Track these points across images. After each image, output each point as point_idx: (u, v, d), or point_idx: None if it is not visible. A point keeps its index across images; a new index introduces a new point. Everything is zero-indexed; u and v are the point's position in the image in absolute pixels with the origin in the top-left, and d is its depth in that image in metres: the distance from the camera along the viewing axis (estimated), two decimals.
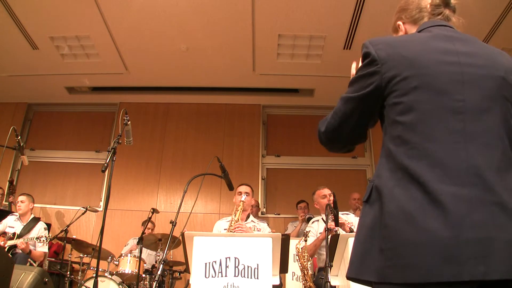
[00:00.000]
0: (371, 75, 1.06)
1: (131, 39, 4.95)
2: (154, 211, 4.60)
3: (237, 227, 3.13)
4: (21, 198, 4.50)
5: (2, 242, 4.06)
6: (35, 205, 4.82)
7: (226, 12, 4.46)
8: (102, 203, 5.90)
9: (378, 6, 4.32)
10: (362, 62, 1.10)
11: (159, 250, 4.26)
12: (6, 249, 3.97)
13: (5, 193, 5.41)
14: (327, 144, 1.23)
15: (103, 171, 2.55)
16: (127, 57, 5.34)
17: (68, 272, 4.09)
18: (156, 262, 4.55)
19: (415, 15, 1.20)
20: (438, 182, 0.90)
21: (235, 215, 3.27)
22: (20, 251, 4.05)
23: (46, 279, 2.79)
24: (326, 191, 3.60)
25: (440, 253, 0.86)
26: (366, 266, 0.97)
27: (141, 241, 3.95)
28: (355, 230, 3.33)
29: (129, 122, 2.85)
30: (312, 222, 3.72)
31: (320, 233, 3.52)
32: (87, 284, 3.64)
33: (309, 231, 3.62)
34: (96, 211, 4.87)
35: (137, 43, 5.03)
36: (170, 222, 2.70)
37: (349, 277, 1.04)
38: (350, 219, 3.54)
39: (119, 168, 5.63)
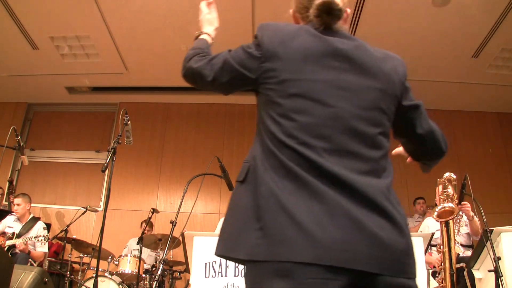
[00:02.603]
0: (252, 57, 1.08)
1: (131, 39, 4.95)
2: (154, 211, 4.60)
3: None
4: (16, 201, 4.41)
5: (2, 242, 4.06)
6: (35, 205, 4.82)
7: (226, 11, 4.46)
8: (102, 203, 5.89)
9: (378, 6, 4.32)
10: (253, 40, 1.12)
11: (159, 250, 4.26)
12: (5, 249, 3.97)
13: (5, 193, 5.41)
14: (188, 79, 1.21)
15: (103, 171, 2.55)
16: (127, 57, 5.34)
17: (68, 272, 4.09)
18: (156, 262, 4.55)
19: (303, 13, 1.17)
20: (309, 175, 0.93)
21: None
22: (20, 251, 4.05)
23: (46, 279, 2.79)
24: None
25: (308, 235, 0.88)
26: (238, 245, 0.96)
27: (141, 241, 3.95)
28: None
29: (129, 122, 2.85)
30: None
31: None
32: (87, 284, 3.63)
33: None
34: (96, 211, 4.87)
35: (137, 43, 5.02)
36: (170, 222, 2.70)
37: (218, 255, 1.03)
38: None
39: (119, 168, 5.63)
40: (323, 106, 1.00)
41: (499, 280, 2.38)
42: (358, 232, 0.90)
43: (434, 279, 3.10)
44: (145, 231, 4.38)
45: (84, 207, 4.54)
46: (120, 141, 2.77)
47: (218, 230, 3.52)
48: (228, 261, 2.51)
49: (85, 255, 4.23)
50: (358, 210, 0.92)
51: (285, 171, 0.95)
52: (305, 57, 1.04)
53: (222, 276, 2.48)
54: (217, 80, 1.14)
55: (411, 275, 0.96)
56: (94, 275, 2.61)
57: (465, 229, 3.40)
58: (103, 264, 3.79)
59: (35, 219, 4.49)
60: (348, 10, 1.19)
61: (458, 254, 3.20)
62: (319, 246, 0.87)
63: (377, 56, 1.10)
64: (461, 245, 3.37)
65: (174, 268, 4.46)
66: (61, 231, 4.29)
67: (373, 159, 1.01)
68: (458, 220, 3.33)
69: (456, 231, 3.30)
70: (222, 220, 3.69)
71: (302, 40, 1.06)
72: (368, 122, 1.02)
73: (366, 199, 0.94)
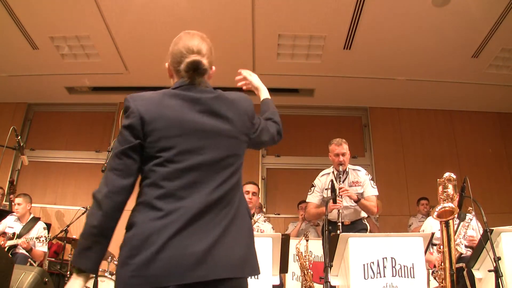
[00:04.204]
0: (133, 127, 1.24)
1: (131, 39, 4.95)
2: None
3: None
4: (17, 200, 4.43)
5: (2, 242, 4.06)
6: (35, 205, 4.81)
7: (226, 12, 4.46)
8: None
9: (378, 6, 4.32)
10: (124, 114, 1.29)
11: None
12: (6, 249, 3.97)
13: (6, 193, 5.41)
14: (109, 217, 1.25)
15: (103, 171, 2.54)
16: (127, 57, 5.34)
17: (68, 272, 4.09)
18: None
19: (176, 67, 1.38)
20: (173, 215, 1.17)
21: None
22: (21, 251, 4.06)
23: (46, 279, 2.79)
24: (339, 150, 3.46)
25: (169, 264, 1.12)
26: (118, 279, 1.22)
27: None
28: (364, 188, 3.41)
29: None
30: (322, 175, 3.63)
31: (326, 189, 3.49)
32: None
33: (315, 186, 3.57)
34: None
35: (137, 43, 5.02)
36: None
37: None
38: (361, 177, 3.49)
39: None
40: (192, 155, 1.24)
41: (499, 280, 2.38)
42: (206, 255, 1.15)
43: (432, 274, 3.11)
44: None
45: (84, 207, 4.53)
46: None
47: None
48: None
49: None
50: (204, 241, 1.17)
51: (157, 211, 1.18)
52: (174, 117, 1.25)
53: None
54: (126, 171, 1.24)
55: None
56: (94, 275, 2.60)
57: (472, 232, 3.41)
58: (103, 264, 3.79)
59: (35, 219, 4.49)
60: (214, 68, 1.45)
61: (461, 254, 3.21)
62: (178, 271, 1.12)
63: (232, 103, 1.36)
64: (465, 246, 3.37)
65: None
66: (61, 231, 4.29)
67: (227, 193, 1.27)
68: (466, 224, 3.34)
69: (463, 233, 3.31)
70: None
71: (168, 103, 1.29)
72: (224, 165, 1.28)
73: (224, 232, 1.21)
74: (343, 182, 3.42)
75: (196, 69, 1.32)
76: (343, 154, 3.44)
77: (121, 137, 1.26)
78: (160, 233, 1.15)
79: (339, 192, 3.21)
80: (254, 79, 1.83)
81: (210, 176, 1.25)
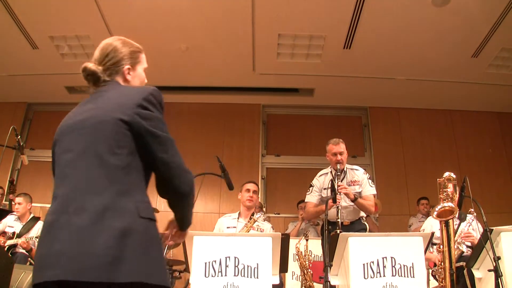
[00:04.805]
0: (52, 144, 1.40)
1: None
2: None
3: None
4: (18, 200, 4.44)
5: (2, 242, 4.06)
6: (35, 204, 4.81)
7: (226, 11, 4.46)
8: None
9: (378, 6, 4.32)
10: None
11: None
12: (5, 249, 3.97)
13: (5, 193, 5.41)
14: None
15: None
16: None
17: None
18: None
19: None
20: (49, 213, 1.24)
21: (246, 227, 3.34)
22: (21, 251, 4.06)
23: None
24: (337, 149, 3.45)
25: (37, 263, 1.21)
26: None
27: None
28: (362, 187, 3.40)
29: None
30: (320, 176, 3.63)
31: (324, 189, 3.49)
32: None
33: (313, 186, 3.57)
34: None
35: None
36: None
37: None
38: (359, 176, 3.49)
39: None
40: (67, 152, 1.30)
41: (499, 280, 2.38)
42: (59, 254, 1.17)
43: (432, 273, 3.11)
44: None
45: None
46: None
47: (216, 230, 3.54)
48: (228, 260, 2.52)
49: None
50: (63, 236, 1.19)
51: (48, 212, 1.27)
52: (66, 123, 1.39)
53: (222, 275, 2.48)
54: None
55: None
56: None
57: (471, 231, 3.41)
58: None
59: (35, 219, 4.50)
60: (126, 67, 1.55)
61: (462, 252, 3.21)
62: (40, 270, 1.18)
63: (122, 91, 1.42)
64: (465, 244, 3.37)
65: (174, 267, 4.45)
66: None
67: (98, 183, 1.24)
68: (468, 224, 3.34)
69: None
70: (220, 220, 3.69)
71: (71, 112, 1.45)
72: (94, 154, 1.26)
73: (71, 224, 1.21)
74: (341, 181, 3.43)
75: (86, 76, 1.48)
76: (340, 153, 3.45)
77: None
78: (42, 233, 1.25)
79: (338, 190, 3.22)
80: None
81: (78, 169, 1.26)
